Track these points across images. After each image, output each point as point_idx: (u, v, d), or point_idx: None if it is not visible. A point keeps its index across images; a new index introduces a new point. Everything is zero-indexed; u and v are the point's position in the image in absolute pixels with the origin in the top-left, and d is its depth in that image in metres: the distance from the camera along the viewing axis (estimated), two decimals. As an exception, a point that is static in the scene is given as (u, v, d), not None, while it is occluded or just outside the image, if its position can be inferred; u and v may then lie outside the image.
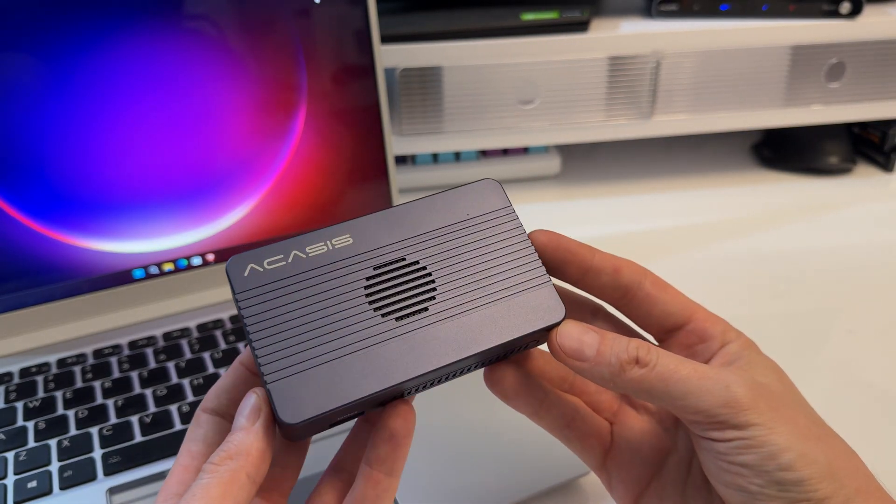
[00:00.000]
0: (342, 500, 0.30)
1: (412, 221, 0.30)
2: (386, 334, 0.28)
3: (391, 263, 0.29)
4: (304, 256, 0.29)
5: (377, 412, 0.29)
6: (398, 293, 0.29)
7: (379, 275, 0.29)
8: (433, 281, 0.29)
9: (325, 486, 0.30)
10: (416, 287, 0.29)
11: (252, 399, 0.28)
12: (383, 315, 0.28)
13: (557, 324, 0.29)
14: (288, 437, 0.29)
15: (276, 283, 0.28)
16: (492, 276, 0.30)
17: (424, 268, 0.30)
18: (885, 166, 0.77)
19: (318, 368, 0.27)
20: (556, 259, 0.33)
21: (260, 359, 0.27)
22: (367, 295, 0.28)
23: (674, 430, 0.33)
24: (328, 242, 0.29)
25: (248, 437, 0.27)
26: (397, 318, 0.28)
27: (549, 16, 0.67)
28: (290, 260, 0.29)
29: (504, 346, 0.29)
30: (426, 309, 0.29)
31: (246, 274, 0.28)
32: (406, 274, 0.29)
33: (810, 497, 0.26)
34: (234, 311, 0.52)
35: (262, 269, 0.28)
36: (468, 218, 0.31)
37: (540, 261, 0.31)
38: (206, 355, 0.48)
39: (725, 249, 0.64)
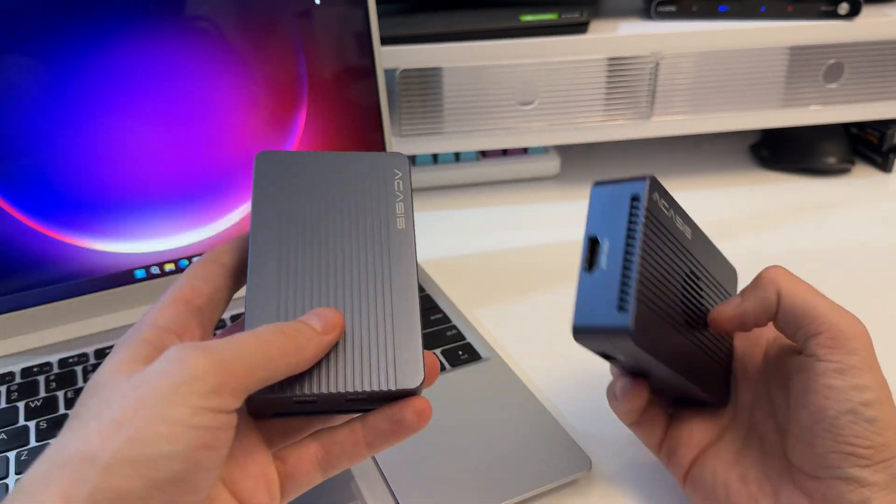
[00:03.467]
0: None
1: None
2: None
3: None
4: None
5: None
6: None
7: None
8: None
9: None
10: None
11: (332, 311, 0.29)
12: None
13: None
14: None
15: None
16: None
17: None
18: (883, 166, 0.77)
19: None
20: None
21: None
22: None
23: (728, 413, 0.38)
24: None
25: (312, 333, 0.28)
26: None
27: (548, 17, 0.67)
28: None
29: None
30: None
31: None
32: None
33: (873, 439, 0.30)
34: (235, 312, 0.52)
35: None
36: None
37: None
38: (208, 355, 0.48)
39: (724, 250, 0.64)
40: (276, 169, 0.32)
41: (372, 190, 0.33)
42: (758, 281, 0.34)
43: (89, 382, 0.26)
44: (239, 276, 0.31)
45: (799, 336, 0.33)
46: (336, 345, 0.29)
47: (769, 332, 0.38)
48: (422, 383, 0.29)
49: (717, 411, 0.38)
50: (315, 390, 0.28)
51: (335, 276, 0.31)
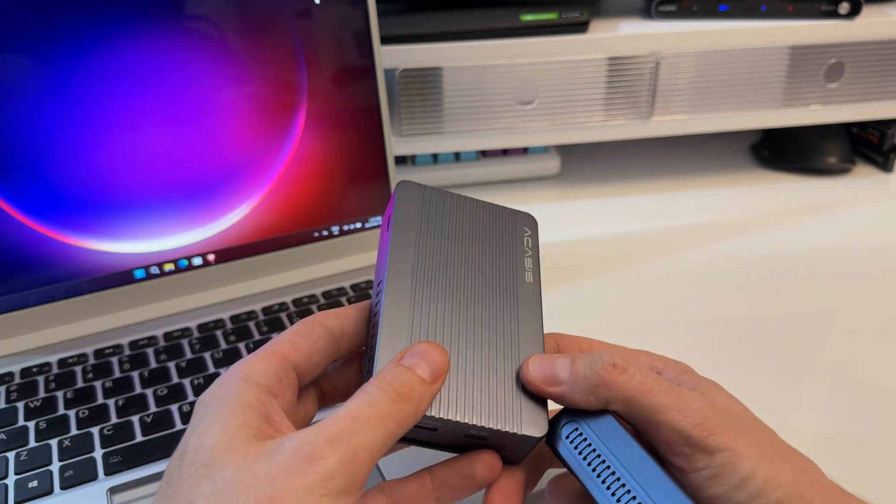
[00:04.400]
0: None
1: None
2: None
3: None
4: None
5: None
6: None
7: None
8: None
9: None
10: None
11: (440, 355, 0.28)
12: None
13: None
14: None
15: None
16: None
17: None
18: (884, 166, 0.77)
19: None
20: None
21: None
22: None
23: None
24: None
25: (424, 389, 0.27)
26: None
27: (548, 16, 0.67)
28: None
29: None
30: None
31: None
32: None
33: None
34: (235, 311, 0.52)
35: None
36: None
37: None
38: (207, 355, 0.48)
39: (724, 250, 0.64)
40: (416, 201, 0.34)
41: (503, 242, 0.35)
42: (590, 379, 0.29)
43: (193, 447, 0.25)
44: (339, 342, 0.31)
45: (654, 442, 0.29)
46: (467, 379, 0.29)
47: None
48: (543, 436, 0.29)
49: None
50: (443, 415, 0.28)
51: (465, 325, 0.31)
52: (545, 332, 0.33)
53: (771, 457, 0.28)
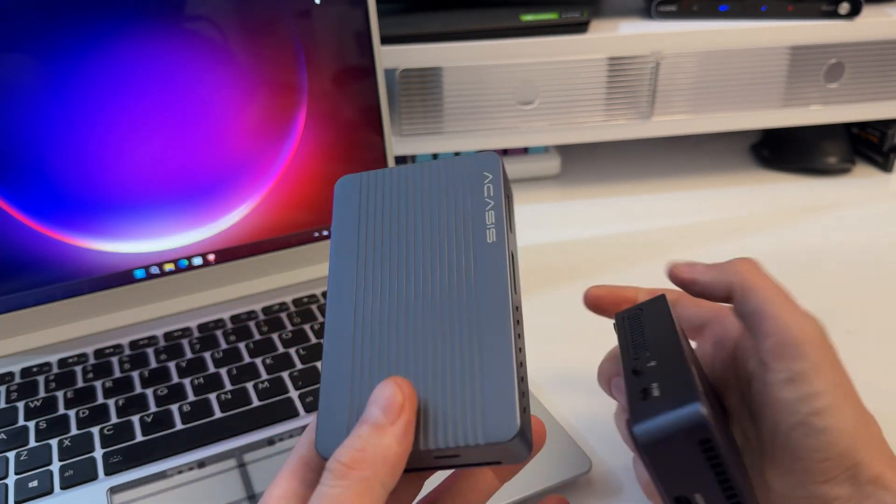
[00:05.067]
0: None
1: None
2: None
3: None
4: None
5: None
6: None
7: None
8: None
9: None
10: None
11: (392, 390, 0.25)
12: None
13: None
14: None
15: None
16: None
17: None
18: (884, 166, 0.77)
19: None
20: (611, 307, 0.38)
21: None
22: None
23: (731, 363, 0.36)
24: None
25: (384, 437, 0.24)
26: None
27: (548, 16, 0.67)
28: None
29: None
30: None
31: None
32: None
33: (827, 451, 0.28)
34: (235, 311, 0.52)
35: None
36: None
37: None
38: (207, 355, 0.48)
39: (724, 249, 0.64)
40: (354, 195, 0.30)
41: (458, 202, 0.29)
42: (726, 265, 0.34)
43: None
44: None
45: (752, 336, 0.32)
46: (420, 399, 0.25)
47: (734, 331, 0.36)
48: (516, 436, 0.24)
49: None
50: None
51: (415, 316, 0.27)
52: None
53: (845, 393, 0.29)
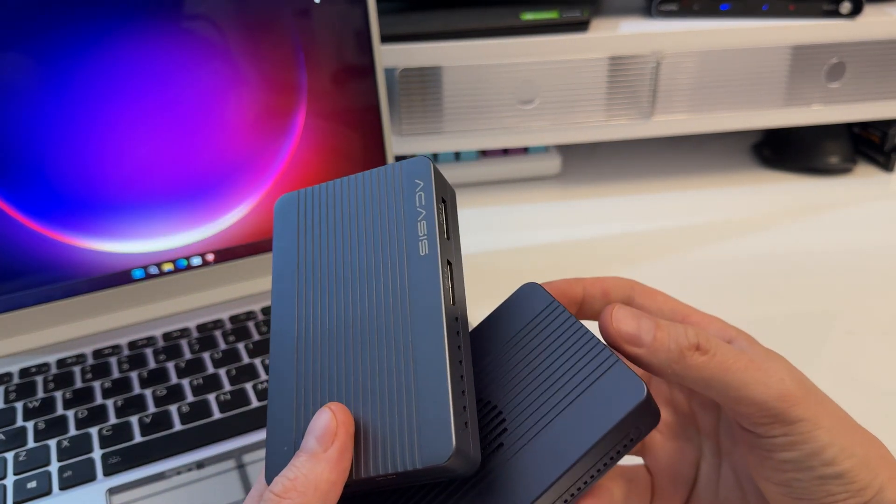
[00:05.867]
0: None
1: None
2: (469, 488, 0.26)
3: None
4: None
5: None
6: None
7: None
8: (500, 412, 0.27)
9: None
10: (483, 427, 0.26)
11: (326, 418, 0.25)
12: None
13: (641, 404, 0.25)
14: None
15: None
16: (556, 382, 0.26)
17: (487, 402, 0.27)
18: (886, 166, 0.77)
19: None
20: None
21: None
22: None
23: (697, 437, 0.34)
24: None
25: (317, 465, 0.24)
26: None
27: (548, 16, 0.67)
28: None
29: (592, 453, 0.25)
30: (501, 445, 0.26)
31: None
32: None
33: (848, 489, 0.27)
34: (234, 312, 0.52)
35: None
36: (516, 333, 0.29)
37: (600, 342, 0.27)
38: (206, 355, 0.48)
39: (726, 249, 0.64)
40: (292, 213, 0.29)
41: (390, 213, 0.27)
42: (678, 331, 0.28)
43: None
44: None
45: (728, 409, 0.29)
46: (359, 424, 0.25)
47: None
48: (452, 456, 0.23)
49: (685, 451, 0.34)
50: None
51: (353, 338, 0.26)
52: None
53: (845, 427, 0.28)
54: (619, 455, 0.27)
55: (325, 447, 0.24)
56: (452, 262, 0.27)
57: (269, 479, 0.26)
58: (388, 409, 0.25)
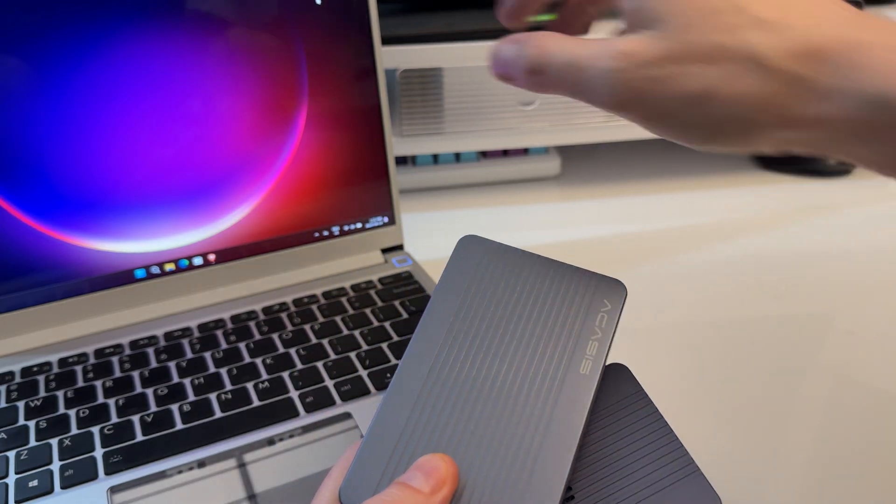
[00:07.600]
0: None
1: None
2: None
3: None
4: None
5: None
6: None
7: None
8: (569, 487, 0.27)
9: None
10: None
11: (439, 463, 0.25)
12: None
13: None
14: None
15: None
16: (634, 474, 0.27)
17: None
18: (885, 168, 0.77)
19: None
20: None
21: None
22: None
23: None
24: None
25: (417, 502, 0.24)
26: None
27: (548, 17, 0.67)
28: None
29: None
30: None
31: None
32: None
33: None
34: (235, 311, 0.52)
35: None
36: (600, 410, 0.29)
37: (683, 447, 0.28)
38: (207, 355, 0.48)
39: (725, 251, 0.64)
40: (473, 256, 0.30)
41: (568, 317, 0.28)
42: None
43: None
44: None
45: None
46: (462, 485, 0.25)
47: None
48: None
49: None
50: None
51: (483, 408, 0.27)
52: None
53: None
54: None
55: (432, 490, 0.24)
56: (601, 383, 0.28)
57: (344, 495, 0.26)
58: (492, 488, 0.25)
